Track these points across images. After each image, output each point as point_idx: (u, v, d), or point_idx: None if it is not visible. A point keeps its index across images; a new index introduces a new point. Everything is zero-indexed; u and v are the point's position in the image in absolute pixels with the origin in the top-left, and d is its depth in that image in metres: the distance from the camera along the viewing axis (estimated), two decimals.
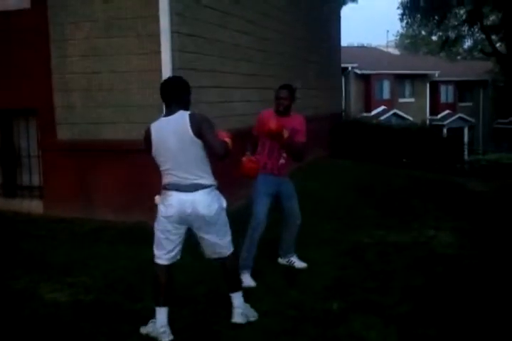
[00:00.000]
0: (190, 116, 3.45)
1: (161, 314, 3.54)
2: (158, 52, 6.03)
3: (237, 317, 3.71)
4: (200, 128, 3.40)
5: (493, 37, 20.60)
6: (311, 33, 12.20)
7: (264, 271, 4.84)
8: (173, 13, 6.00)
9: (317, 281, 4.60)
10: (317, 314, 3.92)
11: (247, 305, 3.85)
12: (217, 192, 3.61)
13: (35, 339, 3.53)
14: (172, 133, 3.45)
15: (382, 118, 24.39)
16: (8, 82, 6.93)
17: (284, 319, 3.84)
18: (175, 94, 3.56)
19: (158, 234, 3.58)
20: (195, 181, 3.48)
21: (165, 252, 3.59)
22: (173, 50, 6.05)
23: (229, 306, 3.84)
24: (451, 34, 24.06)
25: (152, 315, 3.62)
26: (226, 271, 3.79)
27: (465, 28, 21.03)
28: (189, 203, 3.46)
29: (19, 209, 6.99)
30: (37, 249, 5.43)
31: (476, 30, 20.49)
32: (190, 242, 3.73)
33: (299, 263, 5.02)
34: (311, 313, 3.93)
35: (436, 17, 19.03)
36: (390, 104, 29.12)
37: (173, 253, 3.61)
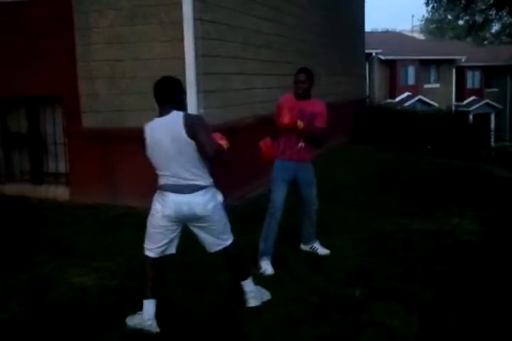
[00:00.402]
0: (185, 116, 3.42)
1: (149, 306, 3.53)
2: (181, 40, 6.05)
3: (252, 301, 3.79)
4: (192, 129, 3.37)
5: None
6: (333, 19, 12.09)
7: (287, 257, 4.87)
8: (196, 0, 5.99)
9: (340, 268, 4.61)
10: (339, 300, 3.93)
11: (259, 287, 3.91)
12: (213, 190, 3.61)
13: (64, 323, 3.60)
14: (166, 133, 3.41)
15: (406, 104, 24.09)
16: (34, 70, 7.01)
17: (306, 305, 3.85)
18: (168, 94, 3.53)
19: (151, 229, 3.58)
20: (192, 182, 3.46)
21: (157, 246, 3.58)
22: (196, 37, 6.05)
23: None
24: (479, 18, 23.58)
25: (172, 300, 3.66)
26: (230, 260, 3.81)
27: (493, 12, 20.58)
28: (186, 205, 3.45)
29: (46, 195, 7.10)
30: (63, 235, 5.52)
31: (505, 14, 20.01)
32: None
33: (322, 250, 5.02)
34: (333, 300, 3.94)
35: (462, 1, 18.63)
36: (415, 90, 28.75)
37: (164, 248, 3.60)
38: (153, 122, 3.54)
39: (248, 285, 3.82)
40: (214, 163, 3.48)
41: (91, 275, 4.46)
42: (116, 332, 3.45)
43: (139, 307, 3.58)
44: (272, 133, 4.84)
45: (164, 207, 3.49)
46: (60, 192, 7.09)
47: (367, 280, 4.33)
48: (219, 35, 6.53)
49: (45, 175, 7.42)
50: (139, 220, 5.85)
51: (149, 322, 3.49)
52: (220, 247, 3.71)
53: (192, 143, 3.39)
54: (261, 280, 4.29)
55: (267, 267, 4.56)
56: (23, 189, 7.26)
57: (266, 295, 3.92)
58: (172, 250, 3.67)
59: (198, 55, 6.08)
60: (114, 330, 3.48)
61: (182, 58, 6.06)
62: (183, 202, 3.45)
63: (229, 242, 3.73)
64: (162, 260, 3.67)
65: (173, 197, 3.46)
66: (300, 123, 4.43)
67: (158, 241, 3.58)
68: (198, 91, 6.12)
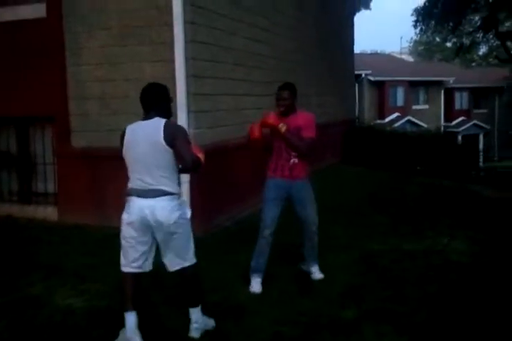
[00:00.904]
0: (166, 123, 3.44)
1: (129, 318, 3.50)
2: (172, 60, 6.07)
3: (193, 332, 3.65)
4: (173, 137, 3.39)
5: (509, 43, 20.48)
6: (323, 40, 12.23)
7: (280, 275, 4.84)
8: (187, 21, 6.05)
9: (331, 288, 4.58)
10: (330, 322, 3.90)
11: (204, 318, 3.74)
12: (182, 200, 3.59)
13: None
14: (143, 137, 3.45)
15: (396, 125, 24.28)
16: (25, 89, 7.01)
17: (295, 325, 3.83)
18: (153, 101, 3.58)
19: (123, 242, 3.57)
20: (157, 187, 3.43)
21: (130, 260, 3.56)
22: (187, 58, 6.08)
23: (241, 314, 3.84)
24: (466, 40, 23.95)
25: (161, 320, 3.62)
26: (186, 283, 3.67)
27: (480, 35, 20.94)
28: (148, 209, 3.42)
29: (34, 215, 7.05)
30: (51, 255, 5.46)
31: (491, 36, 20.38)
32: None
33: (316, 275, 4.90)
34: (323, 321, 3.91)
35: (450, 23, 18.95)
36: (404, 110, 29.03)
37: (139, 263, 3.56)
38: (135, 124, 3.58)
39: (195, 314, 3.67)
40: (189, 172, 3.47)
41: (79, 297, 4.41)
42: None
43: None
44: (264, 151, 4.79)
45: (129, 214, 3.49)
46: (49, 213, 7.04)
47: (358, 301, 4.31)
48: (210, 56, 6.58)
49: (33, 195, 7.37)
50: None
51: (130, 335, 3.45)
52: (180, 266, 3.59)
53: (169, 150, 3.41)
54: (251, 298, 4.28)
55: (255, 285, 4.54)
56: (11, 209, 7.20)
57: (211, 326, 3.77)
58: (146, 267, 3.61)
59: (188, 76, 6.11)
60: None
61: (172, 79, 6.07)
62: (146, 205, 3.42)
63: (190, 263, 3.62)
64: (140, 276, 3.63)
65: (137, 202, 3.47)
66: (282, 126, 4.39)
67: (129, 255, 3.56)
68: (189, 112, 6.13)
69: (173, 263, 3.60)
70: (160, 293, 4.42)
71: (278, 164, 4.66)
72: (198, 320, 3.67)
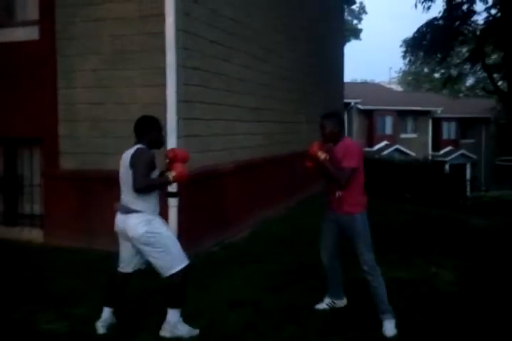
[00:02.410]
0: (135, 151, 3.95)
1: (105, 312, 4.14)
2: (163, 85, 6.11)
3: (163, 332, 4.03)
4: (133, 162, 3.89)
5: (495, 75, 20.81)
6: (315, 69, 12.39)
7: (264, 303, 4.79)
8: (180, 47, 6.11)
9: (316, 316, 4.54)
10: None
11: (186, 326, 4.06)
12: (149, 217, 3.96)
13: None
14: (123, 162, 4.02)
15: (384, 153, 24.50)
16: (15, 110, 7.02)
17: None
18: (139, 131, 4.10)
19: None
20: (127, 205, 3.98)
21: (120, 261, 4.19)
22: (179, 83, 6.13)
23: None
24: (454, 72, 24.33)
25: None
26: (172, 285, 4.00)
27: (467, 66, 21.29)
28: (121, 222, 4.02)
29: (19, 237, 6.98)
30: (35, 278, 5.38)
31: (478, 68, 20.69)
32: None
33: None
34: None
35: (438, 55, 19.25)
36: (393, 139, 29.31)
37: (124, 264, 4.17)
38: (126, 152, 4.10)
39: (172, 315, 4.00)
40: (140, 193, 3.88)
41: (63, 321, 4.34)
42: None
43: None
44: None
45: (115, 225, 4.12)
46: (35, 235, 6.97)
47: (343, 330, 4.27)
48: (201, 82, 6.63)
49: (19, 217, 7.29)
50: (114, 265, 5.79)
51: (101, 324, 4.09)
52: (166, 275, 3.97)
53: (131, 173, 3.93)
54: (238, 325, 4.23)
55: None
56: None
57: (188, 333, 4.03)
58: (127, 269, 4.18)
59: (179, 101, 6.14)
60: None
61: (163, 103, 6.11)
62: (120, 219, 4.04)
63: (174, 271, 3.95)
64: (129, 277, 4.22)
65: (118, 216, 4.09)
66: (321, 154, 4.32)
67: (120, 256, 4.19)
68: (179, 136, 6.15)
69: (160, 272, 3.99)
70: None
71: (329, 196, 4.60)
72: (171, 321, 3.99)
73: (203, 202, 6.60)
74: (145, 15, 6.25)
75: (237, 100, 7.76)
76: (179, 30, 6.09)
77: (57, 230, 6.76)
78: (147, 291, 4.99)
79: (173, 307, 4.00)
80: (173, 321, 3.99)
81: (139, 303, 4.74)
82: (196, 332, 4.07)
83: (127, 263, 4.15)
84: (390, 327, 4.26)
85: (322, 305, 4.79)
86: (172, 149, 4.29)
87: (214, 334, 4.08)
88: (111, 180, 6.53)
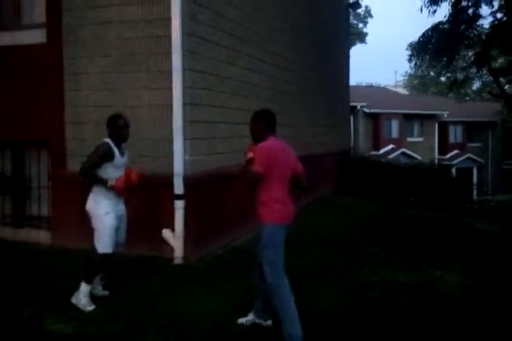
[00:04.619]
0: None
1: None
2: (170, 88, 6.15)
3: (73, 299, 4.73)
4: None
5: (501, 79, 20.78)
6: (320, 72, 12.41)
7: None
8: (185, 50, 6.15)
9: (321, 319, 4.54)
10: None
11: (85, 300, 4.65)
12: (96, 197, 4.76)
13: None
14: None
15: (390, 156, 24.44)
16: (22, 113, 7.08)
17: None
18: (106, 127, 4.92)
19: None
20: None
21: None
22: (184, 86, 6.16)
23: None
24: (460, 75, 24.30)
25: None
26: (88, 260, 4.81)
27: (473, 70, 21.29)
28: None
29: (27, 239, 7.02)
30: (43, 280, 5.42)
31: (484, 72, 20.71)
32: None
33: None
34: None
35: (444, 58, 19.23)
36: (399, 143, 29.25)
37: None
38: None
39: (82, 286, 4.70)
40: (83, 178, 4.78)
41: (69, 323, 4.36)
42: None
43: None
44: None
45: None
46: (42, 236, 7.01)
47: (348, 332, 4.28)
48: (207, 85, 6.66)
49: (27, 219, 7.34)
50: (119, 266, 5.82)
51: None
52: (93, 245, 4.73)
53: None
54: (243, 327, 4.23)
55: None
56: (4, 232, 7.19)
57: (82, 305, 4.63)
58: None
59: (185, 104, 6.17)
60: None
61: (170, 106, 6.15)
62: None
63: (97, 247, 4.69)
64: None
65: None
66: (249, 155, 4.04)
67: None
68: (185, 139, 6.18)
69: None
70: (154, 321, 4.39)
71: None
72: (80, 291, 4.68)
73: (209, 205, 6.62)
74: (151, 19, 6.29)
75: (242, 103, 7.79)
76: (185, 33, 6.13)
77: (65, 232, 6.80)
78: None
79: (84, 281, 4.69)
80: (82, 291, 4.66)
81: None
82: (90, 309, 4.60)
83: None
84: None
85: (241, 320, 4.40)
86: (130, 172, 4.78)
87: (219, 337, 4.09)
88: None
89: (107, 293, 5.04)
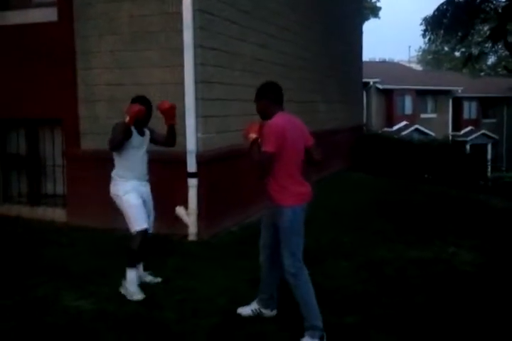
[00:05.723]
0: None
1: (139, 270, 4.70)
2: (181, 66, 6.13)
3: (122, 289, 4.51)
4: None
5: None
6: (332, 48, 12.27)
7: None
8: (197, 27, 6.10)
9: (334, 295, 4.58)
10: (333, 328, 3.89)
11: (133, 288, 4.45)
12: (115, 182, 4.75)
13: None
14: None
15: (403, 133, 24.28)
16: (35, 92, 7.10)
17: (299, 332, 3.83)
18: None
19: None
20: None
21: None
22: (196, 63, 6.14)
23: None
24: (475, 50, 23.90)
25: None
26: (126, 246, 4.58)
27: (488, 45, 20.92)
28: None
29: (43, 217, 7.11)
30: (59, 257, 5.50)
31: (500, 46, 20.33)
32: None
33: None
34: (326, 326, 3.91)
35: (459, 33, 18.90)
36: (412, 119, 29.00)
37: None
38: None
39: (127, 274, 4.50)
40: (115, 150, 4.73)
41: (87, 299, 4.42)
42: None
43: (139, 331, 3.56)
44: None
45: None
46: (58, 214, 7.09)
47: (361, 308, 4.32)
48: (218, 62, 6.63)
49: (42, 197, 7.43)
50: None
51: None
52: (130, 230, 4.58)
53: None
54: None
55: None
56: (21, 210, 7.27)
57: (130, 295, 4.41)
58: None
59: (197, 81, 6.16)
60: None
61: (181, 84, 6.13)
62: None
63: (130, 228, 4.55)
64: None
65: None
66: (252, 135, 3.72)
67: None
68: (197, 116, 6.18)
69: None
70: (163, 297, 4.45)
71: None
72: (128, 280, 4.48)
73: (222, 182, 6.65)
74: None
75: (254, 80, 7.72)
76: (196, 9, 6.08)
77: (80, 210, 6.87)
78: None
79: (127, 267, 4.51)
80: (129, 280, 4.48)
81: None
82: (138, 297, 4.38)
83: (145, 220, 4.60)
84: None
85: (246, 310, 4.15)
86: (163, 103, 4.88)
87: (234, 314, 4.14)
88: None
89: (159, 279, 4.83)
